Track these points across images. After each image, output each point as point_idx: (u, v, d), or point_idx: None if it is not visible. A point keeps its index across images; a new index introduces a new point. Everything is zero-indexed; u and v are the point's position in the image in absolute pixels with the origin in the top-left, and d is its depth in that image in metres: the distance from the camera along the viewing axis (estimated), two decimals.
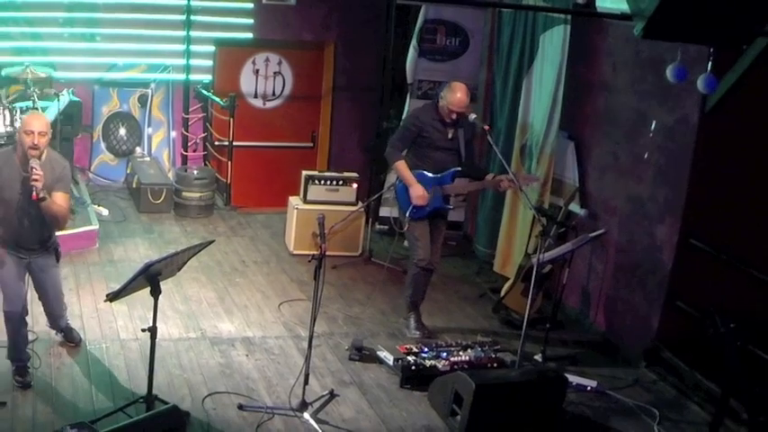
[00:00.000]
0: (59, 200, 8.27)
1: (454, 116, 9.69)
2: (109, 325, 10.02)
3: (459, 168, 10.01)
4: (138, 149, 15.47)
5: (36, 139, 7.92)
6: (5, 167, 8.27)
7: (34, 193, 7.88)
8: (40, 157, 8.03)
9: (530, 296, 9.18)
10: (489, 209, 12.66)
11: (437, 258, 10.26)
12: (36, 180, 7.82)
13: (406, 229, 10.07)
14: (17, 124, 11.75)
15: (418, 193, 9.74)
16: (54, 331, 9.52)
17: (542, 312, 10.28)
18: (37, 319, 9.59)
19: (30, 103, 12.21)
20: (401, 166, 9.91)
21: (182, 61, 15.17)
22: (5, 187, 8.26)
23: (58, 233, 8.90)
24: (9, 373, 8.61)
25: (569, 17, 10.70)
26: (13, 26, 14.24)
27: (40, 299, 8.99)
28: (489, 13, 13.06)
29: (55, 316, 9.17)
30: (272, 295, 11.31)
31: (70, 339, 9.41)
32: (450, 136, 9.86)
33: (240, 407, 8.43)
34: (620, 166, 10.45)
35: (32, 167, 7.91)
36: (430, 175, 9.85)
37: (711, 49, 7.91)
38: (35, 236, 8.50)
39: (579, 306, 11.09)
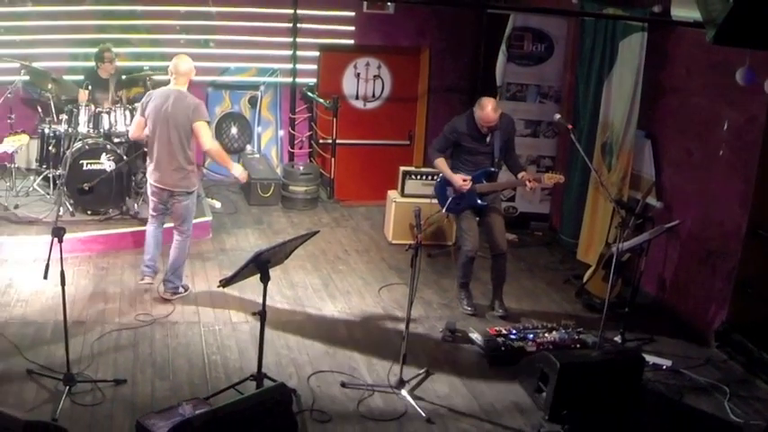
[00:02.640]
0: None
1: (485, 129, 9.89)
2: (222, 309, 10.25)
3: (493, 169, 10.19)
4: (249, 147, 15.87)
5: None
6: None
7: None
8: None
9: (610, 282, 9.26)
10: (573, 202, 12.74)
11: (503, 244, 10.38)
12: None
13: (446, 220, 10.56)
14: None
15: (459, 182, 10.04)
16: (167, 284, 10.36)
17: (621, 297, 10.20)
18: (154, 304, 10.21)
19: None
20: (440, 163, 10.24)
21: (289, 65, 15.53)
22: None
23: None
24: (131, 350, 9.02)
25: (646, 25, 10.85)
26: (134, 33, 14.77)
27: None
28: (572, 21, 13.13)
29: None
30: (372, 281, 11.48)
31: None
32: (486, 141, 10.07)
33: (343, 384, 8.57)
34: (693, 162, 10.50)
35: None
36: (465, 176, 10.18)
37: None
38: None
39: (655, 291, 11.09)
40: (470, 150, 10.08)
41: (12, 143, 9.37)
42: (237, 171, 10.27)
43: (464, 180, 10.02)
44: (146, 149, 10.56)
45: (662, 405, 8.58)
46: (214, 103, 15.67)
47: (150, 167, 10.17)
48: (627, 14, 11.15)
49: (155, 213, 10.45)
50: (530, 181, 9.94)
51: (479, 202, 10.13)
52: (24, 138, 9.46)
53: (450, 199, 10.16)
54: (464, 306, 10.50)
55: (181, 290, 10.36)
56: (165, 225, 10.47)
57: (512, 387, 8.71)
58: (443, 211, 10.38)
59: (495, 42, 13.72)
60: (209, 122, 9.68)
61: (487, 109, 9.76)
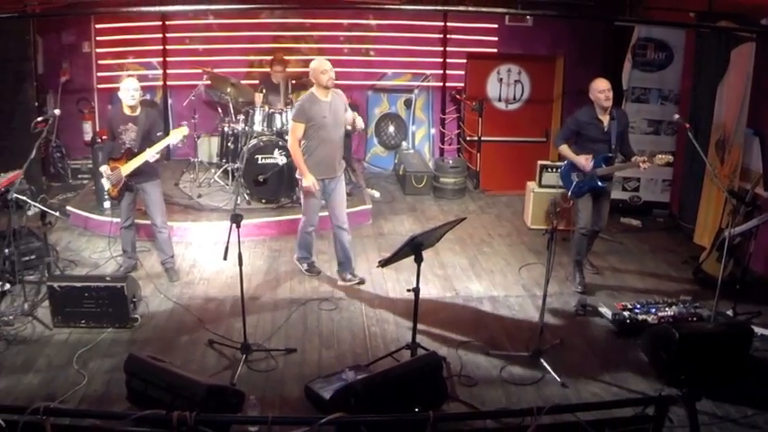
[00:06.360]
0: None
1: (607, 94, 10.00)
2: (380, 286, 10.61)
3: (610, 154, 10.20)
4: (404, 143, 16.27)
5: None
6: (314, 105, 9.79)
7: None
8: None
9: (723, 263, 9.26)
10: (690, 191, 12.78)
11: (604, 222, 10.67)
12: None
13: (571, 203, 10.53)
14: None
15: (582, 162, 10.17)
16: (345, 272, 10.53)
17: (733, 276, 10.01)
18: (321, 282, 10.65)
19: None
20: (564, 149, 10.36)
21: (439, 71, 15.90)
22: (317, 117, 9.70)
23: None
24: (300, 323, 9.45)
25: (755, 35, 10.89)
26: (303, 43, 15.42)
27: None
28: (690, 32, 13.09)
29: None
30: (513, 262, 11.66)
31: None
32: (605, 129, 10.13)
33: (487, 353, 8.80)
34: None
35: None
36: None
37: None
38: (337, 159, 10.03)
39: (763, 270, 11.02)
40: (591, 138, 10.20)
41: (176, 135, 9.89)
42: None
43: (586, 159, 10.16)
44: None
45: None
46: (374, 104, 16.17)
47: (319, 164, 10.08)
48: (738, 26, 11.19)
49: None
50: (643, 162, 9.94)
51: (599, 184, 10.25)
52: (185, 129, 9.97)
53: (575, 183, 10.30)
54: (575, 285, 10.68)
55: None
56: None
57: (636, 355, 8.86)
58: (569, 195, 10.43)
59: (622, 51, 13.89)
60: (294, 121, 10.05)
61: (596, 81, 10.12)
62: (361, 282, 10.57)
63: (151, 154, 9.81)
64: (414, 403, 7.12)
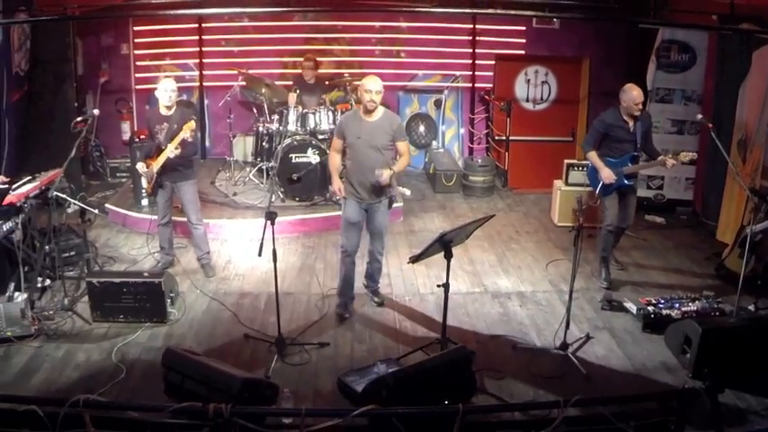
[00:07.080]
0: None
1: (640, 106, 10.01)
2: (411, 282, 10.66)
3: (636, 153, 10.21)
4: (434, 143, 16.33)
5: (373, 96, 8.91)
6: (351, 123, 9.15)
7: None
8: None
9: (745, 259, 9.21)
10: (713, 189, 12.78)
11: (631, 220, 10.68)
12: None
13: (598, 202, 10.42)
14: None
15: (606, 174, 10.10)
16: (367, 288, 10.07)
17: (755, 272, 9.95)
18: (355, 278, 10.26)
19: (350, 106, 13.21)
20: (592, 156, 10.27)
21: (468, 72, 15.95)
22: (351, 136, 9.08)
23: None
24: (333, 318, 9.50)
25: None
26: (335, 45, 15.50)
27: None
28: (713, 34, 12.98)
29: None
30: (540, 258, 11.68)
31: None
32: (631, 129, 10.11)
33: (514, 347, 8.84)
34: None
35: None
36: (612, 161, 10.20)
37: None
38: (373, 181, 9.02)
39: None
40: (618, 139, 10.17)
41: (186, 131, 9.90)
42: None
43: (609, 175, 10.10)
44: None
45: None
46: (404, 105, 16.21)
47: (350, 186, 9.37)
48: (760, 29, 11.10)
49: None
50: (668, 159, 9.96)
51: (626, 182, 10.25)
52: (192, 123, 10.00)
53: (602, 182, 10.21)
54: (601, 280, 10.66)
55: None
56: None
57: (660, 349, 8.85)
58: (597, 193, 10.36)
59: (646, 52, 13.93)
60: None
61: (635, 91, 10.02)
62: (380, 304, 10.01)
63: (170, 149, 9.86)
64: (444, 396, 7.13)
